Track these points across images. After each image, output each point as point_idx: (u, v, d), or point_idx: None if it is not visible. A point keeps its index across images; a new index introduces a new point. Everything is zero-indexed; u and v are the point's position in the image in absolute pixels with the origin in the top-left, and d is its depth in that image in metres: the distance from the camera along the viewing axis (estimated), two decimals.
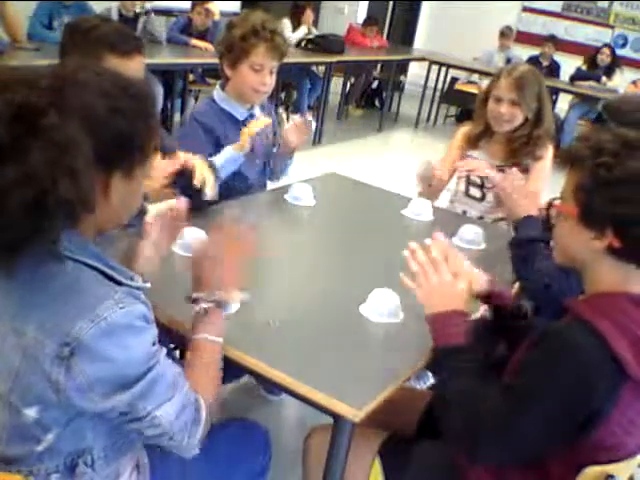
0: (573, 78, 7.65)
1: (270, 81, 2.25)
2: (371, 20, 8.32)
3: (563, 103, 7.81)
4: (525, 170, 2.55)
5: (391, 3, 10.55)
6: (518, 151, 2.53)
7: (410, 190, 2.57)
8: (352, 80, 8.18)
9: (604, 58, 7.65)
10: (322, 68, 6.96)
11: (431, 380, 2.41)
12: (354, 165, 5.40)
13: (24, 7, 4.66)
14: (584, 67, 7.80)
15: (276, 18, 2.36)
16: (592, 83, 7.47)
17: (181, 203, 1.40)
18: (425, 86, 8.12)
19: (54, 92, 0.91)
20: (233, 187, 2.25)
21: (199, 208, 2.09)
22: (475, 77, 8.24)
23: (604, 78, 7.55)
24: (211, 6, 6.01)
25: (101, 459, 1.08)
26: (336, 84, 7.72)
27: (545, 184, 2.54)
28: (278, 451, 1.60)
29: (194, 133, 2.22)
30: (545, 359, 1.14)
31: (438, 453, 1.40)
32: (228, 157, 2.15)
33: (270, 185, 2.56)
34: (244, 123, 2.33)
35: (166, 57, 5.38)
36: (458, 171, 2.49)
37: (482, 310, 1.60)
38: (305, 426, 1.62)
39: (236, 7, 7.98)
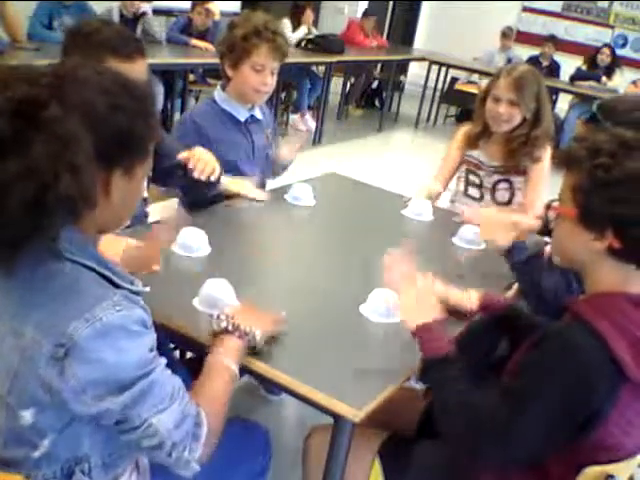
0: (573, 78, 7.65)
1: (271, 81, 2.26)
2: (369, 13, 8.32)
3: (563, 103, 7.81)
4: (524, 172, 2.56)
5: (391, 3, 10.55)
6: (516, 151, 2.53)
7: (410, 190, 2.57)
8: (352, 80, 8.18)
9: (604, 58, 7.65)
10: (322, 68, 6.97)
11: None
12: (354, 165, 5.40)
13: (24, 7, 4.66)
14: (584, 67, 7.80)
15: (276, 18, 2.37)
16: (592, 83, 7.47)
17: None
18: (425, 86, 8.12)
19: (54, 88, 0.91)
20: None
21: (202, 203, 2.10)
22: (475, 77, 8.24)
23: (604, 78, 7.55)
24: (211, 6, 6.01)
25: (98, 467, 1.07)
26: (336, 84, 7.72)
27: (544, 186, 2.54)
28: (278, 451, 1.60)
29: (185, 133, 2.23)
30: (545, 360, 1.14)
31: (438, 453, 1.40)
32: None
33: (270, 185, 2.56)
34: (245, 124, 2.34)
35: (166, 57, 5.38)
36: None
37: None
38: (305, 426, 1.62)
39: (236, 7, 7.99)
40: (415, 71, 9.56)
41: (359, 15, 8.48)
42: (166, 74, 5.52)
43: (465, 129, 2.70)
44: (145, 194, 2.07)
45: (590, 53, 7.95)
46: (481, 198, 2.66)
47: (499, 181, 2.61)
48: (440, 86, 8.33)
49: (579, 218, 1.18)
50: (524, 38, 9.13)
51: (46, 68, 0.96)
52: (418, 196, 2.49)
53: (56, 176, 0.86)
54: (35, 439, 1.01)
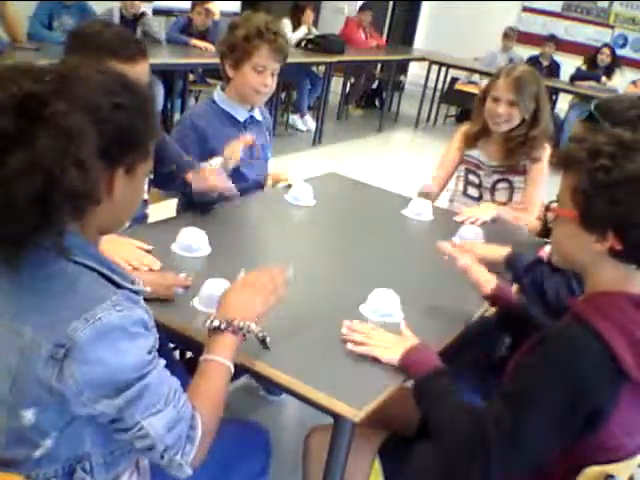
0: (573, 78, 7.66)
1: (272, 82, 2.26)
2: (367, 7, 8.32)
3: (563, 103, 7.81)
4: (523, 172, 2.56)
5: (391, 3, 10.55)
6: (515, 151, 2.53)
7: (410, 190, 2.57)
8: (352, 80, 8.19)
9: (604, 58, 7.65)
10: (322, 68, 6.97)
11: None
12: (354, 165, 5.40)
13: (24, 7, 4.66)
14: (584, 67, 7.81)
15: (276, 18, 2.37)
16: (592, 83, 7.47)
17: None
18: (425, 86, 8.12)
19: (58, 84, 0.92)
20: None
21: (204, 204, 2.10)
22: (476, 77, 8.24)
23: (604, 78, 7.56)
24: (211, 6, 6.01)
25: (100, 465, 1.07)
26: (336, 84, 7.72)
27: (544, 186, 2.54)
28: (278, 451, 1.60)
29: (184, 134, 2.23)
30: (545, 361, 1.14)
31: (438, 454, 1.40)
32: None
33: (270, 185, 2.56)
34: (245, 125, 2.34)
35: (166, 57, 5.38)
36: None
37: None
38: (305, 426, 1.62)
39: (236, 7, 7.99)
40: (415, 71, 9.56)
41: None
42: (166, 74, 5.52)
43: (464, 129, 2.70)
44: (145, 196, 2.07)
45: (590, 53, 7.96)
46: (480, 198, 2.66)
47: (498, 181, 2.61)
48: (440, 86, 8.33)
49: (580, 220, 1.18)
50: (524, 38, 9.11)
51: (49, 66, 0.97)
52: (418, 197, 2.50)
53: (62, 170, 0.87)
54: (36, 439, 1.01)
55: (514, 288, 1.86)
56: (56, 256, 0.97)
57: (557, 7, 9.65)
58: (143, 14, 5.53)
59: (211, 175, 2.00)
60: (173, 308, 1.44)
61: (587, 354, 1.11)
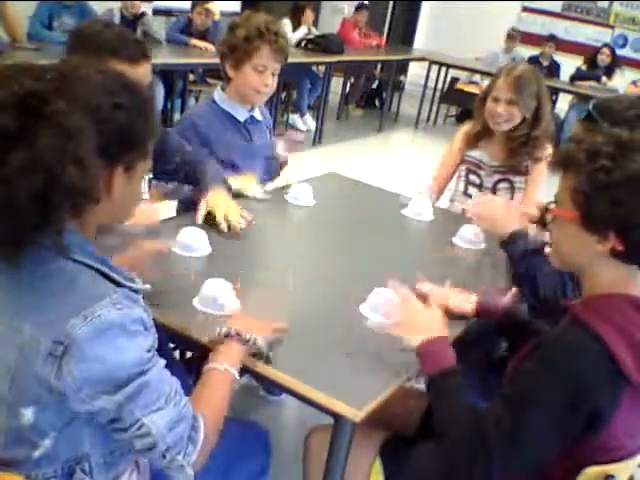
0: (573, 78, 7.66)
1: (272, 82, 2.26)
2: (363, 7, 8.33)
3: (563, 103, 7.81)
4: (525, 172, 2.56)
5: (391, 3, 10.55)
6: (516, 151, 2.53)
7: (410, 190, 2.57)
8: (352, 80, 8.19)
9: (604, 58, 7.65)
10: (322, 68, 6.97)
11: None
12: (354, 165, 5.40)
13: (24, 7, 4.66)
14: (584, 67, 7.80)
15: (276, 18, 2.37)
16: (592, 83, 7.47)
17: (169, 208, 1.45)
18: (425, 86, 8.12)
19: (59, 83, 0.93)
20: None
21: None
22: (477, 77, 8.24)
23: (604, 78, 7.56)
24: (211, 6, 6.01)
25: (99, 466, 1.07)
26: (336, 84, 7.72)
27: (544, 187, 2.54)
28: (278, 451, 1.60)
29: (184, 133, 2.22)
30: (544, 364, 1.14)
31: (438, 454, 1.40)
32: None
33: (270, 185, 2.56)
34: (245, 124, 2.34)
35: (166, 57, 5.38)
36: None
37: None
38: (305, 426, 1.62)
39: (236, 7, 7.99)
40: (415, 71, 9.56)
41: None
42: (166, 74, 5.53)
43: (465, 129, 2.70)
44: (146, 195, 2.07)
45: (590, 53, 7.96)
46: None
47: (499, 181, 2.61)
48: (440, 86, 8.33)
49: (580, 221, 1.17)
50: (524, 38, 9.10)
51: (49, 65, 0.97)
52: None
53: (62, 168, 0.88)
54: (36, 438, 1.01)
55: (513, 291, 1.86)
56: (55, 254, 0.97)
57: (557, 7, 9.64)
58: (143, 14, 5.53)
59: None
60: (173, 308, 1.44)
61: (586, 356, 1.10)
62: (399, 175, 5.43)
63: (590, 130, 1.36)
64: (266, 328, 1.33)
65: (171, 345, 1.96)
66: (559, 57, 8.15)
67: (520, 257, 1.78)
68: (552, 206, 1.27)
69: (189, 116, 2.32)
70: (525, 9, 9.87)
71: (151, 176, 2.08)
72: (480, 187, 2.65)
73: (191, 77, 6.11)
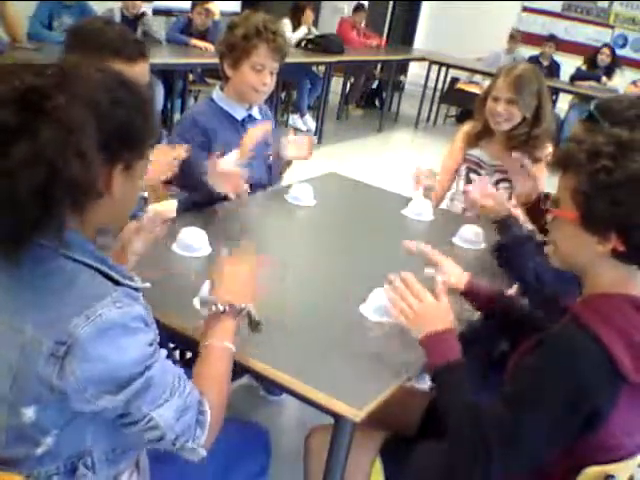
0: (573, 78, 7.66)
1: (270, 81, 2.26)
2: (361, 8, 8.33)
3: (563, 103, 7.81)
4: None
5: (391, 3, 10.55)
6: (517, 150, 2.52)
7: (410, 190, 2.57)
8: (352, 80, 8.18)
9: (604, 58, 7.65)
10: (322, 68, 6.97)
11: None
12: (354, 165, 5.40)
13: (24, 7, 4.66)
14: (584, 67, 7.80)
15: (276, 18, 2.37)
16: (592, 83, 7.47)
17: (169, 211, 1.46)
18: (425, 86, 8.12)
19: (59, 78, 0.93)
20: None
21: (208, 203, 2.10)
22: (478, 77, 8.23)
23: (604, 78, 7.56)
24: (211, 6, 6.01)
25: (102, 462, 1.08)
26: (336, 84, 7.72)
27: (543, 186, 2.53)
28: (278, 451, 1.60)
29: (190, 132, 2.22)
30: (544, 364, 1.14)
31: (439, 453, 1.40)
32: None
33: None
34: (243, 123, 2.34)
35: (166, 57, 5.38)
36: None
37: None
38: (305, 426, 1.62)
39: (236, 7, 7.99)
40: (415, 71, 9.56)
41: None
42: (166, 74, 5.52)
43: (466, 128, 2.70)
44: (145, 194, 2.08)
45: (590, 53, 7.96)
46: None
47: (499, 180, 2.61)
48: (440, 86, 8.33)
49: (581, 221, 1.17)
50: (524, 38, 9.11)
51: (49, 63, 0.98)
52: (418, 173, 2.50)
53: (64, 162, 0.89)
54: (37, 436, 1.01)
55: (514, 287, 1.86)
56: (55, 254, 0.97)
57: (557, 7, 9.64)
58: (143, 14, 5.53)
59: (231, 177, 2.01)
60: (173, 308, 1.44)
61: (586, 357, 1.10)
62: (399, 175, 5.42)
63: (591, 130, 1.35)
64: (252, 293, 1.32)
65: (171, 345, 1.96)
66: (559, 57, 8.14)
67: (513, 240, 1.83)
68: (551, 206, 1.27)
69: (189, 115, 2.33)
70: (525, 9, 9.86)
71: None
72: None
73: (191, 77, 6.10)
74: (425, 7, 10.59)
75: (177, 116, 5.83)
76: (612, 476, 1.15)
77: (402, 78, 9.24)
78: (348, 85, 8.12)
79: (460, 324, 1.57)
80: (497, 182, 2.61)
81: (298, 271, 1.84)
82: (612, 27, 9.33)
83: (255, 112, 2.39)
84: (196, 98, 6.40)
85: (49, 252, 0.97)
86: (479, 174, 2.64)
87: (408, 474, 1.40)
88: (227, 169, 2.01)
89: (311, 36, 7.08)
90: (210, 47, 5.67)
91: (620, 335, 1.11)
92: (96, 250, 1.03)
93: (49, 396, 0.97)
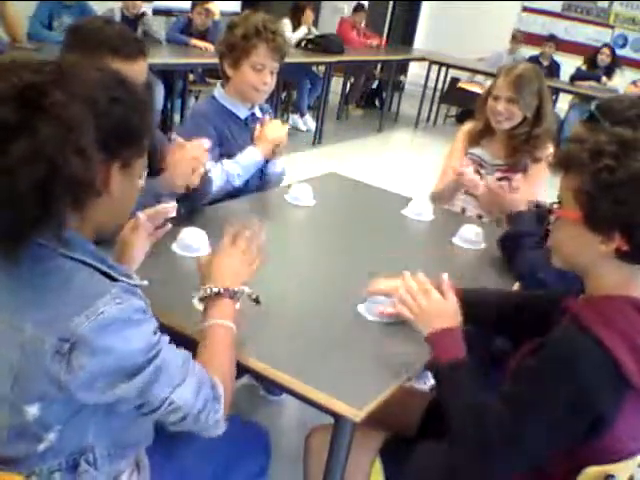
0: (573, 78, 7.66)
1: (271, 81, 2.27)
2: (360, 8, 8.34)
3: (563, 103, 7.80)
4: (524, 170, 2.56)
5: (391, 3, 10.55)
6: (518, 149, 2.53)
7: (410, 190, 2.57)
8: (352, 80, 8.18)
9: (604, 58, 7.65)
10: (322, 68, 6.97)
11: (431, 380, 2.41)
12: (354, 165, 5.40)
13: (24, 7, 4.66)
14: (584, 67, 7.80)
15: (276, 18, 2.38)
16: (592, 83, 7.47)
17: (170, 208, 1.46)
18: (425, 86, 8.12)
19: (57, 75, 0.94)
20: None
21: (192, 209, 2.09)
22: (479, 77, 8.22)
23: (604, 78, 7.56)
24: (211, 6, 6.01)
25: (103, 458, 1.09)
26: (336, 84, 7.72)
27: (542, 186, 2.54)
28: (278, 451, 1.60)
29: (202, 128, 2.22)
30: (546, 367, 1.14)
31: (439, 454, 1.40)
32: (251, 160, 2.23)
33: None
34: (246, 122, 2.34)
35: (166, 57, 5.38)
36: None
37: None
38: (305, 426, 1.62)
39: (236, 7, 7.99)
40: (415, 71, 9.56)
41: None
42: (166, 74, 5.52)
43: (467, 128, 2.70)
44: None
45: (590, 53, 7.96)
46: None
47: (501, 179, 2.60)
48: (440, 86, 8.33)
49: (584, 221, 1.16)
50: (524, 38, 9.12)
51: (46, 60, 0.98)
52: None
53: (64, 158, 0.89)
54: (40, 432, 1.01)
55: (515, 285, 1.87)
56: (54, 253, 0.98)
57: (557, 7, 9.64)
58: (143, 14, 5.53)
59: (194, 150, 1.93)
60: (173, 308, 1.44)
61: (588, 361, 1.10)
62: (399, 175, 5.43)
63: (592, 130, 1.35)
64: (245, 272, 1.35)
65: None
66: (559, 57, 8.15)
67: (516, 234, 1.90)
68: (555, 207, 1.26)
69: (199, 111, 2.34)
70: (525, 9, 9.87)
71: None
72: None
73: (191, 77, 6.10)
74: (425, 7, 10.60)
75: (177, 116, 5.83)
76: (612, 476, 1.15)
77: (402, 78, 9.24)
78: (348, 85, 8.12)
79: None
80: (498, 180, 2.61)
81: (298, 271, 1.85)
82: (612, 27, 9.33)
83: (257, 111, 2.40)
84: (196, 98, 6.40)
85: (48, 251, 0.97)
86: (479, 173, 2.64)
87: (408, 474, 1.40)
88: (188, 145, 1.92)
89: (311, 36, 7.07)
90: (210, 47, 5.67)
91: (623, 338, 1.10)
92: (95, 249, 1.03)
93: (56, 393, 0.97)
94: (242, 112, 2.33)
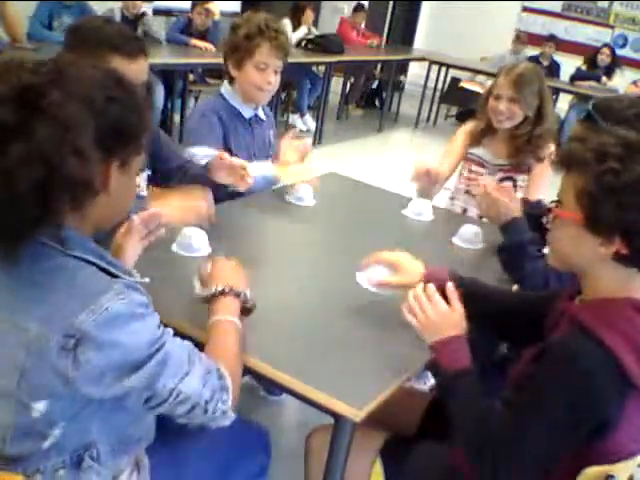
0: (573, 78, 7.65)
1: (274, 80, 2.28)
2: (360, 8, 8.35)
3: (563, 103, 7.80)
4: (528, 171, 2.56)
5: (391, 3, 10.55)
6: (520, 149, 2.53)
7: (410, 190, 2.57)
8: (352, 80, 8.18)
9: (604, 58, 7.65)
10: (322, 68, 6.96)
11: (431, 380, 2.41)
12: (354, 165, 5.40)
13: (24, 7, 4.66)
14: (584, 67, 7.80)
15: (276, 18, 2.39)
16: (592, 83, 7.47)
17: (158, 212, 1.46)
18: (425, 86, 8.12)
19: (55, 75, 0.94)
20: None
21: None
22: (482, 78, 8.20)
23: (604, 78, 7.55)
24: (211, 6, 6.00)
25: (106, 453, 1.09)
26: (336, 84, 7.72)
27: (546, 186, 2.54)
28: (278, 451, 1.60)
29: (210, 124, 2.24)
30: (547, 372, 1.13)
31: (439, 454, 1.40)
32: (265, 174, 2.23)
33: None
34: (250, 122, 2.36)
35: (166, 57, 5.38)
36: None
37: None
38: (306, 426, 1.62)
39: (236, 7, 7.99)
40: (415, 71, 9.56)
41: None
42: (166, 74, 5.52)
43: (468, 128, 2.70)
44: (144, 192, 2.08)
45: (590, 53, 7.96)
46: None
47: (502, 179, 2.61)
48: (440, 86, 8.33)
49: (585, 222, 1.15)
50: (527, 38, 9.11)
51: (44, 60, 0.98)
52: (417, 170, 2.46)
53: (61, 158, 0.90)
54: (45, 429, 1.02)
55: (514, 288, 1.86)
56: (54, 251, 0.98)
57: (557, 7, 9.64)
58: (144, 14, 5.53)
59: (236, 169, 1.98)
60: (173, 308, 1.44)
61: (590, 365, 1.09)
62: (399, 175, 5.42)
63: (593, 130, 1.34)
64: (243, 278, 1.38)
65: None
66: (559, 57, 8.14)
67: (517, 245, 1.85)
68: (553, 206, 1.26)
69: (208, 107, 2.33)
70: (525, 9, 9.86)
71: (149, 172, 2.08)
72: None
73: (191, 77, 6.10)
74: (425, 7, 10.59)
75: (177, 116, 5.83)
76: (612, 476, 1.15)
77: (402, 78, 9.24)
78: (348, 85, 8.11)
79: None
80: (500, 181, 2.61)
81: (298, 271, 1.85)
82: (612, 27, 9.33)
83: (261, 113, 2.42)
84: (196, 98, 6.40)
85: (49, 250, 0.98)
86: (481, 174, 2.64)
87: (408, 474, 1.40)
88: (234, 161, 1.98)
89: (311, 36, 7.07)
90: (210, 47, 5.67)
91: (625, 339, 1.10)
92: (95, 247, 1.04)
93: (63, 388, 0.98)
94: (247, 112, 2.35)
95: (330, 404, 1.22)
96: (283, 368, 1.29)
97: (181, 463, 1.32)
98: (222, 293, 1.30)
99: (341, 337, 1.47)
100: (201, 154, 2.13)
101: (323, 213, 2.32)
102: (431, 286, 1.38)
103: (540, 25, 9.68)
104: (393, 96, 8.56)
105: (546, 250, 1.75)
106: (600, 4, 9.34)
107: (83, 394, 0.99)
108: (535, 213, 1.90)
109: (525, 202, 2.10)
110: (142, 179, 2.04)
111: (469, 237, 2.15)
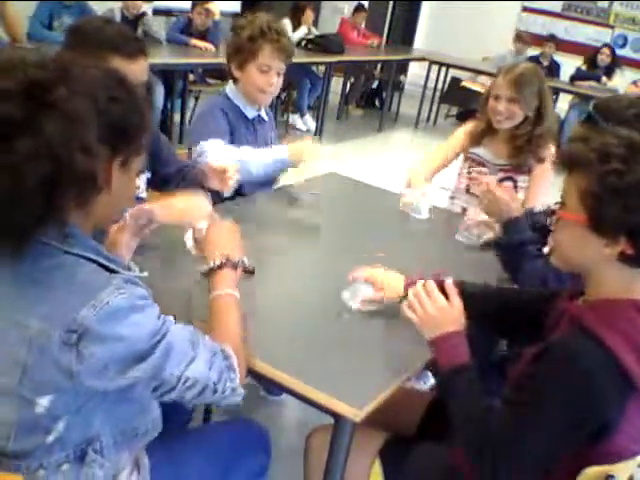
0: (573, 78, 7.65)
1: (277, 82, 2.29)
2: (361, 8, 8.36)
3: (563, 103, 7.80)
4: (528, 171, 2.56)
5: (391, 3, 10.55)
6: (520, 149, 2.53)
7: (410, 190, 2.57)
8: (352, 80, 8.18)
9: (604, 58, 7.65)
10: (322, 68, 6.97)
11: (431, 380, 2.41)
12: (354, 165, 5.40)
13: (24, 7, 4.66)
14: (584, 67, 7.80)
15: (276, 18, 2.39)
16: (592, 83, 7.47)
17: (148, 209, 1.46)
18: (425, 86, 8.12)
19: (61, 72, 0.95)
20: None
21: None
22: (483, 78, 8.19)
23: (604, 78, 7.55)
24: (211, 6, 6.00)
25: (109, 447, 1.10)
26: (336, 84, 7.72)
27: (547, 187, 2.54)
28: (278, 451, 1.60)
29: (220, 119, 2.24)
30: (547, 373, 1.13)
31: (438, 454, 1.40)
32: (278, 159, 2.23)
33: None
34: (253, 122, 2.37)
35: (166, 57, 5.38)
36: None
37: None
38: (306, 426, 1.62)
39: (236, 7, 7.99)
40: (415, 71, 9.56)
41: None
42: (166, 74, 5.52)
43: (468, 128, 2.70)
44: (144, 194, 2.08)
45: (590, 53, 7.95)
46: None
47: (503, 179, 2.61)
48: (440, 86, 8.33)
49: (589, 223, 1.14)
50: (529, 39, 9.10)
51: (48, 57, 0.99)
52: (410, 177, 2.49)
53: (69, 154, 0.90)
54: (49, 424, 1.02)
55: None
56: (55, 249, 0.99)
57: (557, 7, 9.64)
58: (144, 14, 5.53)
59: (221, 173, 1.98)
60: (174, 307, 1.44)
61: (590, 366, 1.09)
62: (399, 175, 5.42)
63: (594, 130, 1.33)
64: (239, 241, 1.39)
65: None
66: (559, 57, 8.14)
67: (517, 244, 1.85)
68: (557, 207, 1.25)
69: (215, 104, 2.33)
70: (525, 9, 9.86)
71: (149, 175, 2.08)
72: None
73: (191, 77, 6.10)
74: (425, 7, 10.60)
75: (177, 116, 5.83)
76: (612, 476, 1.15)
77: (402, 78, 9.24)
78: (348, 85, 8.11)
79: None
80: (501, 180, 2.61)
81: (298, 271, 1.85)
82: (612, 27, 9.33)
83: (263, 114, 2.43)
84: (196, 98, 6.40)
85: (50, 248, 0.99)
86: (484, 173, 2.64)
87: (408, 474, 1.40)
88: (219, 164, 1.98)
89: (311, 36, 7.08)
90: (210, 47, 5.67)
91: (625, 339, 1.10)
92: (95, 244, 1.05)
93: (67, 382, 0.98)
94: (250, 112, 2.36)
95: (330, 404, 1.22)
96: (283, 368, 1.29)
97: (181, 463, 1.32)
98: (220, 267, 1.31)
99: (341, 337, 1.47)
100: (212, 148, 2.13)
101: (323, 213, 2.32)
102: (431, 282, 1.38)
103: (540, 25, 9.68)
104: (393, 96, 8.56)
105: (545, 250, 1.76)
106: (600, 4, 9.34)
107: (87, 387, 0.99)
108: (533, 220, 1.91)
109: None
110: (142, 181, 2.04)
111: (469, 236, 2.15)
